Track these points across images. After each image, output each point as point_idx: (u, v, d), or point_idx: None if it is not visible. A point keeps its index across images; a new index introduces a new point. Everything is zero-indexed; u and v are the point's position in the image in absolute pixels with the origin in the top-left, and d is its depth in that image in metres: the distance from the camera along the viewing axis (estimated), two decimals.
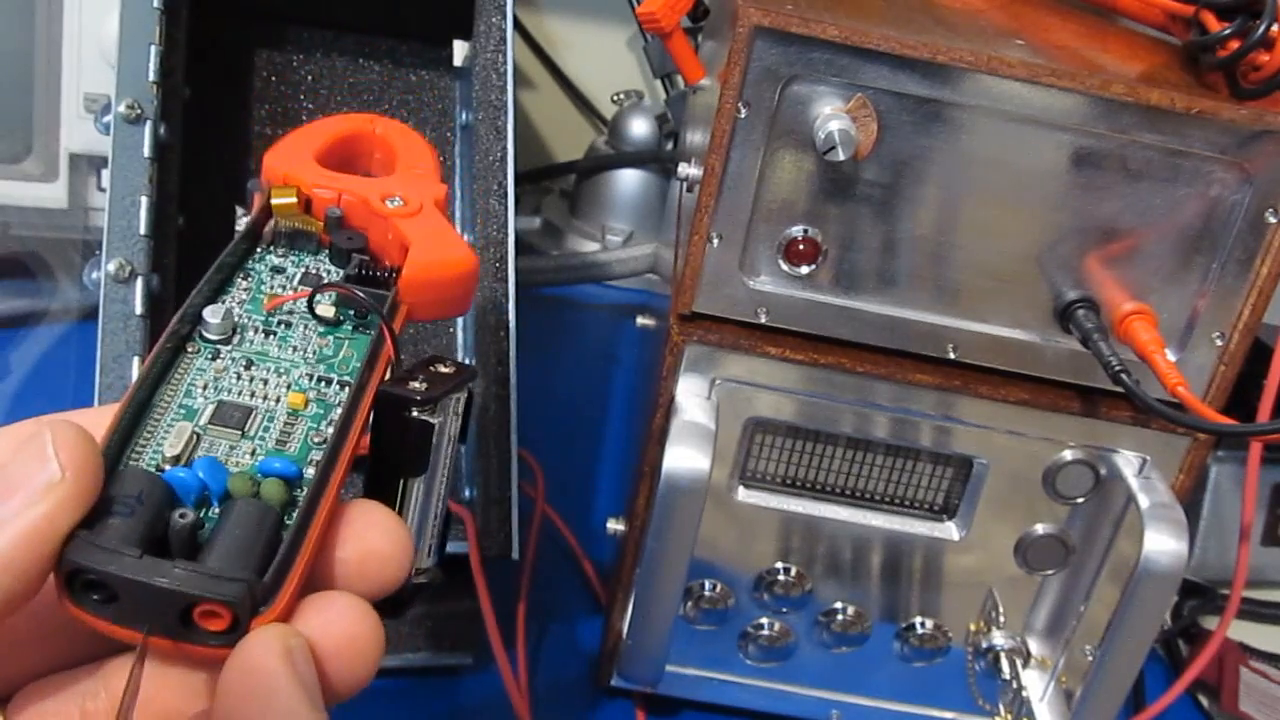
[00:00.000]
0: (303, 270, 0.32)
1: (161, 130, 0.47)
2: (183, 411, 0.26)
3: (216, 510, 0.24)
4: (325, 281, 0.31)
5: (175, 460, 0.25)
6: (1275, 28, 0.38)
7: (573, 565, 0.60)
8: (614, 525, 0.51)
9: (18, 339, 0.68)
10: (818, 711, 0.51)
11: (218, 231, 0.50)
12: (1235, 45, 0.39)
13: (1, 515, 0.22)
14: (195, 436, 0.26)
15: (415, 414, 0.29)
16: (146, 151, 0.46)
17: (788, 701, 0.51)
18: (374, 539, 0.26)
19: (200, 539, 0.24)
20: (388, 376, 0.29)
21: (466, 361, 0.53)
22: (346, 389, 0.28)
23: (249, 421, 0.27)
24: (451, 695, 0.52)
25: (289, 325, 0.30)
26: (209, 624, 0.22)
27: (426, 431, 0.29)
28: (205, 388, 0.27)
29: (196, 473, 0.24)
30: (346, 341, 0.30)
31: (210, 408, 0.27)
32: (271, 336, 0.29)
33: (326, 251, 0.32)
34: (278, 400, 0.27)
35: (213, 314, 0.28)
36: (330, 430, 0.27)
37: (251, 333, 0.29)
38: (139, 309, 0.45)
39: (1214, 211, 0.40)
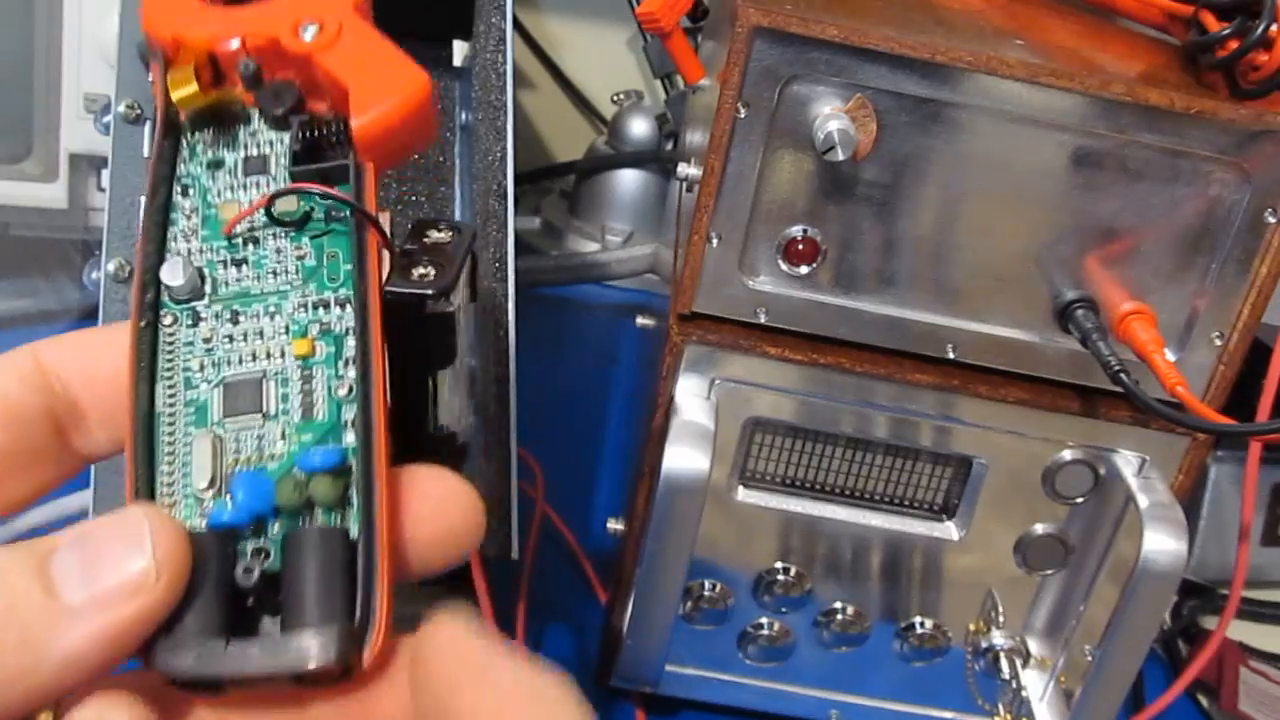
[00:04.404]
0: (242, 155, 0.27)
1: None
2: (193, 412, 0.24)
3: (275, 527, 0.23)
4: (270, 161, 0.27)
5: (210, 485, 0.23)
6: (1274, 28, 0.38)
7: (573, 565, 0.60)
8: (614, 525, 0.52)
9: (18, 339, 0.68)
10: (817, 711, 0.51)
11: None
12: (1234, 45, 0.39)
13: (79, 600, 0.20)
14: (218, 442, 0.24)
15: (431, 308, 0.26)
16: (146, 151, 0.46)
17: (787, 701, 0.51)
18: (452, 516, 0.24)
19: (269, 567, 0.22)
20: (385, 271, 0.26)
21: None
22: (347, 308, 0.25)
23: (263, 396, 0.24)
24: None
25: (257, 242, 0.26)
26: (321, 677, 0.22)
27: (448, 322, 0.26)
28: (202, 368, 0.25)
29: (241, 508, 0.23)
30: (325, 240, 0.26)
31: (217, 394, 0.24)
32: (244, 266, 0.26)
33: (258, 115, 0.27)
34: (282, 353, 0.25)
35: (171, 275, 0.25)
36: (352, 373, 0.24)
37: (221, 270, 0.26)
38: None
39: (1213, 211, 0.40)
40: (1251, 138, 0.38)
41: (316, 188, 0.26)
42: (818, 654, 0.50)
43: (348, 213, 0.26)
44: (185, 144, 0.27)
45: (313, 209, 0.26)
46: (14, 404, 0.24)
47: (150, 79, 0.28)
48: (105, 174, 0.67)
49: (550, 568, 0.59)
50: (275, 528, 0.23)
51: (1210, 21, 0.40)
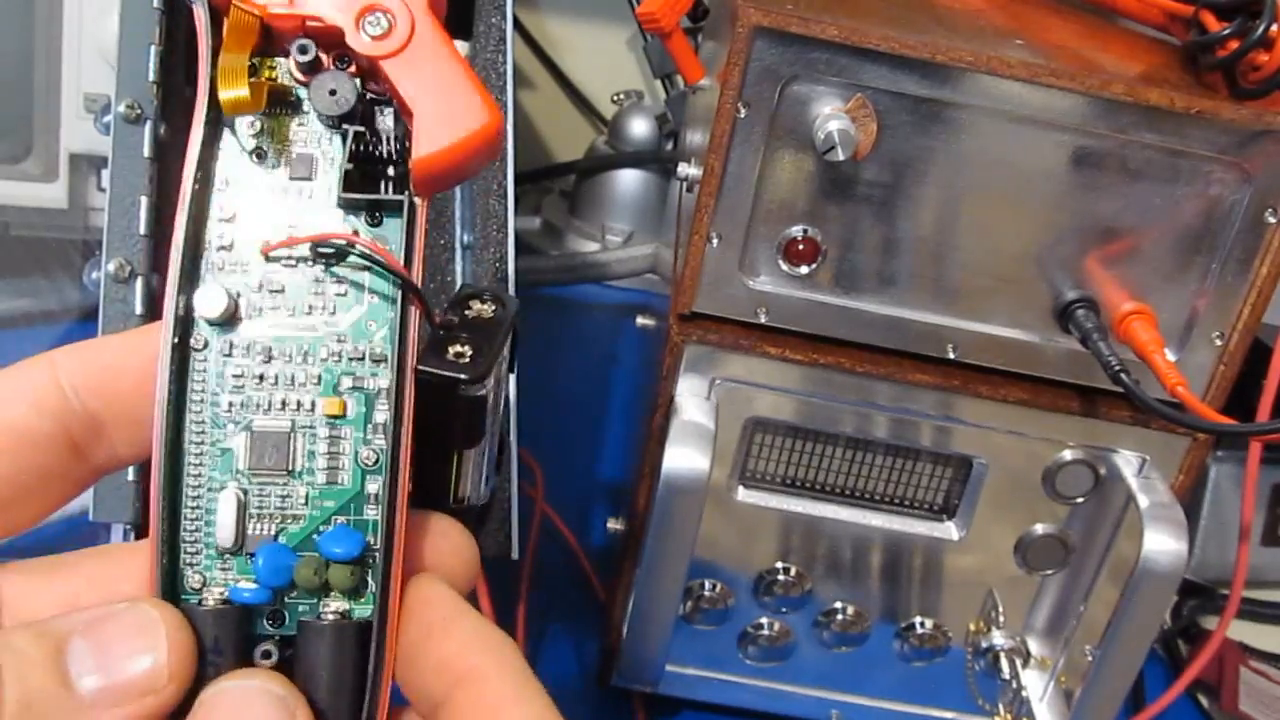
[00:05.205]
0: (290, 152, 0.25)
1: (161, 130, 0.47)
2: (219, 455, 0.24)
3: (292, 596, 0.24)
4: (317, 165, 0.25)
5: (234, 545, 0.24)
6: (1274, 28, 0.38)
7: (573, 565, 0.60)
8: (614, 525, 0.51)
9: (18, 339, 0.68)
10: (817, 711, 0.51)
11: None
12: (1234, 45, 0.39)
13: (93, 693, 0.21)
14: (242, 497, 0.24)
15: (463, 391, 0.25)
16: (146, 151, 0.46)
17: (788, 701, 0.51)
18: (449, 564, 0.26)
19: (284, 631, 0.24)
20: (424, 332, 0.25)
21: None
22: (381, 366, 0.25)
23: (291, 453, 0.24)
24: None
25: (294, 266, 0.25)
26: None
27: (478, 405, 0.25)
28: (230, 408, 0.24)
29: (261, 582, 0.24)
30: (366, 277, 0.25)
31: (244, 441, 0.24)
32: (280, 295, 0.25)
33: (308, 99, 0.25)
34: (312, 406, 0.24)
35: (206, 305, 0.24)
36: (379, 441, 0.24)
37: (255, 295, 0.25)
38: (139, 309, 0.45)
39: (1213, 211, 0.40)
40: (1251, 138, 0.38)
41: (361, 243, 0.24)
42: (818, 654, 0.50)
43: (389, 228, 0.25)
44: (229, 128, 0.25)
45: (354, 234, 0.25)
46: (22, 430, 0.24)
47: (196, 33, 0.24)
48: (105, 174, 0.67)
49: (550, 568, 0.59)
50: (293, 595, 0.24)
51: (1210, 21, 0.40)
